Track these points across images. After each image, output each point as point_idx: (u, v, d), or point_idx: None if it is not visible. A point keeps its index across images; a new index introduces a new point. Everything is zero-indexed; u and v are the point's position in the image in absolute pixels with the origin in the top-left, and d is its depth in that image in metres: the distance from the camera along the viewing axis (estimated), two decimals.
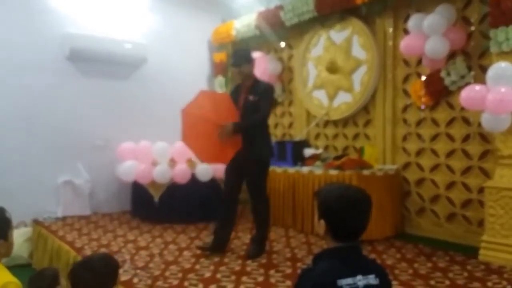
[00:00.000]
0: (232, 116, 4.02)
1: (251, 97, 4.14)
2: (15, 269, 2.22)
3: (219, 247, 4.23)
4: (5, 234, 2.22)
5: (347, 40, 5.61)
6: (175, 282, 3.38)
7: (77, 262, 2.31)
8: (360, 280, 1.63)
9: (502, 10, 3.76)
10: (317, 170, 4.90)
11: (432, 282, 3.35)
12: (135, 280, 3.42)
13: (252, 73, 4.25)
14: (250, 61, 4.22)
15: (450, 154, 4.71)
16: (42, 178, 5.77)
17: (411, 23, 4.71)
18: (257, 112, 4.09)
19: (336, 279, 1.60)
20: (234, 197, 4.33)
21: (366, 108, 5.52)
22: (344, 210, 1.68)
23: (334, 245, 1.73)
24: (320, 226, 1.73)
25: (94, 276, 2.10)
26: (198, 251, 4.24)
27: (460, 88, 4.32)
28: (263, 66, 6.27)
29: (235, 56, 4.35)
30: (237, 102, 4.18)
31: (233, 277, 3.49)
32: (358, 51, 5.49)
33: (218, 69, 7.23)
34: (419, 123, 4.98)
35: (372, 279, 1.65)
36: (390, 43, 5.19)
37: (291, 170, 5.26)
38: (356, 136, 5.68)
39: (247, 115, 4.11)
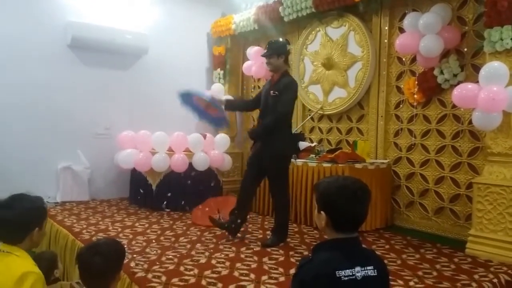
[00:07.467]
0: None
1: (272, 92, 4.13)
2: None
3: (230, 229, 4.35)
4: (41, 223, 2.32)
5: (344, 36, 5.70)
6: (171, 267, 3.43)
7: (85, 247, 2.32)
8: (358, 271, 1.66)
9: (497, 10, 3.79)
10: (311, 162, 5.01)
11: (420, 273, 3.43)
12: (132, 264, 3.47)
13: (280, 67, 4.19)
14: (280, 54, 4.14)
15: (440, 150, 4.82)
16: (42, 163, 5.82)
17: (407, 21, 4.79)
18: (276, 107, 4.06)
19: (336, 270, 1.63)
20: (251, 191, 4.41)
21: (360, 104, 5.62)
22: (345, 200, 1.70)
23: (334, 236, 1.75)
24: (321, 218, 1.75)
25: (103, 261, 2.12)
26: (194, 238, 4.34)
27: (452, 86, 4.42)
28: (261, 60, 6.34)
29: (267, 47, 4.29)
30: (264, 95, 4.25)
31: (227, 263, 3.57)
32: (354, 48, 5.58)
33: (217, 61, 7.30)
34: (411, 119, 5.08)
35: (370, 271, 1.69)
36: (386, 41, 5.27)
37: None
38: (349, 131, 5.78)
39: (268, 110, 4.14)
